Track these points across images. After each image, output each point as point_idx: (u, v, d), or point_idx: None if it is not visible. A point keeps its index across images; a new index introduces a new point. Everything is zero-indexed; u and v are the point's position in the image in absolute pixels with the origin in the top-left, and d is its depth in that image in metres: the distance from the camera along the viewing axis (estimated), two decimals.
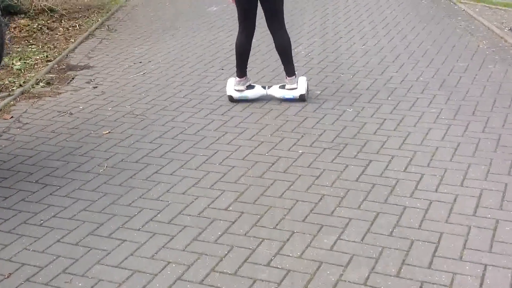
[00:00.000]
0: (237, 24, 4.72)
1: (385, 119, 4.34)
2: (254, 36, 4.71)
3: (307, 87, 4.73)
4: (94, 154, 4.10)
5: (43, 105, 5.12)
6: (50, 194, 3.60)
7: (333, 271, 2.72)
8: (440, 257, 2.78)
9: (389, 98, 4.72)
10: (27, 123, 4.74)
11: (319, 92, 4.91)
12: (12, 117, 4.90)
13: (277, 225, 3.11)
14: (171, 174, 3.73)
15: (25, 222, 3.31)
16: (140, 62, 6.09)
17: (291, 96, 4.67)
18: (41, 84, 5.66)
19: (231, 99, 4.78)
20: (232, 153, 3.95)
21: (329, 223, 3.09)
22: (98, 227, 3.21)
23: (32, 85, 5.62)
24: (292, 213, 3.21)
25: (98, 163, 3.97)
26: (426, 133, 4.07)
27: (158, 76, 5.61)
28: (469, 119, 4.27)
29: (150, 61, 6.10)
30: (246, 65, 4.74)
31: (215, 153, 3.98)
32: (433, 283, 2.60)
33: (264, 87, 4.82)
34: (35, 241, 3.12)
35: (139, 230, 3.15)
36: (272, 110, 4.62)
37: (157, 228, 3.15)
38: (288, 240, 2.97)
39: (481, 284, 2.59)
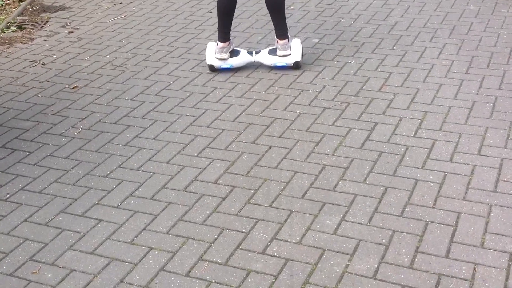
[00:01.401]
0: None
1: (391, 73, 3.93)
2: None
3: (302, 51, 4.08)
4: (68, 113, 3.69)
5: (13, 53, 4.65)
6: (18, 161, 3.21)
7: (338, 261, 2.39)
8: (458, 243, 2.45)
9: (394, 48, 4.29)
10: None
11: (317, 41, 4.46)
12: None
13: (273, 202, 2.76)
14: (153, 139, 3.34)
15: None
16: (121, 3, 5.57)
17: (284, 64, 3.96)
18: (12, 28, 5.16)
19: (211, 68, 4.02)
20: (222, 113, 3.55)
21: (331, 200, 2.74)
22: (71, 204, 2.84)
23: (2, 29, 5.13)
24: (290, 187, 2.85)
25: (73, 124, 3.56)
26: (437, 90, 3.67)
27: (140, 20, 5.11)
28: (483, 73, 3.86)
29: (131, 2, 5.58)
30: (231, 26, 3.93)
31: (203, 113, 3.57)
32: (452, 276, 2.28)
33: (250, 53, 4.04)
34: (0, 220, 2.76)
35: (117, 207, 2.79)
36: None
37: (138, 206, 2.79)
38: (285, 221, 2.63)
39: (507, 277, 2.27)
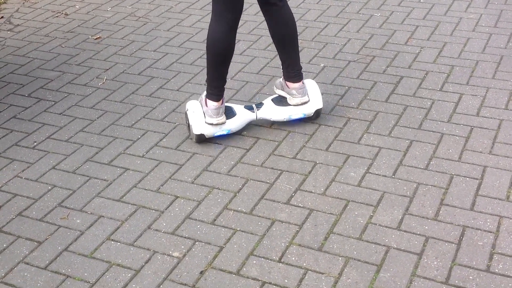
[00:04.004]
0: None
1: (417, 26, 3.86)
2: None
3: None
4: (92, 64, 3.69)
5: (35, 3, 4.64)
6: (44, 110, 3.25)
7: (362, 212, 2.41)
8: (484, 196, 2.44)
9: (421, 1, 4.20)
10: (18, 25, 4.30)
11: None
12: (2, 17, 4.45)
13: (297, 154, 2.76)
14: (177, 90, 3.34)
15: (16, 143, 2.98)
16: None
17: (302, 115, 2.91)
18: None
19: (201, 139, 2.83)
20: (245, 66, 3.53)
21: (356, 153, 2.74)
22: (97, 152, 2.87)
23: None
24: (314, 140, 2.85)
25: (97, 74, 3.57)
26: (465, 44, 3.61)
27: None
28: None
29: None
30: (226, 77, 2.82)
31: None
32: (476, 228, 2.29)
33: (250, 108, 2.90)
34: (28, 167, 2.81)
35: (143, 157, 2.82)
36: None
37: (163, 155, 2.81)
38: (310, 172, 2.64)
39: None
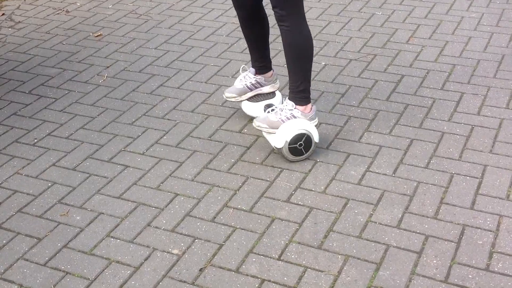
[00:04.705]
0: None
1: (419, 25, 3.85)
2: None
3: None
4: (93, 61, 3.69)
5: (37, 0, 4.64)
6: (45, 107, 3.24)
7: (362, 210, 2.40)
8: (484, 195, 2.44)
9: None
10: (19, 22, 4.30)
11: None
12: (3, 14, 4.45)
13: None
14: (178, 88, 3.34)
15: (17, 140, 2.98)
16: None
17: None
18: None
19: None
20: (246, 64, 3.53)
21: (356, 151, 2.74)
22: (97, 150, 2.87)
23: None
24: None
25: (98, 71, 3.57)
26: (466, 43, 3.60)
27: None
28: None
29: None
30: None
31: (228, 63, 3.55)
32: (476, 227, 2.28)
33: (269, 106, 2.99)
34: (28, 164, 2.80)
35: (143, 154, 2.82)
36: None
37: (163, 153, 2.81)
38: (310, 171, 2.64)
39: None
